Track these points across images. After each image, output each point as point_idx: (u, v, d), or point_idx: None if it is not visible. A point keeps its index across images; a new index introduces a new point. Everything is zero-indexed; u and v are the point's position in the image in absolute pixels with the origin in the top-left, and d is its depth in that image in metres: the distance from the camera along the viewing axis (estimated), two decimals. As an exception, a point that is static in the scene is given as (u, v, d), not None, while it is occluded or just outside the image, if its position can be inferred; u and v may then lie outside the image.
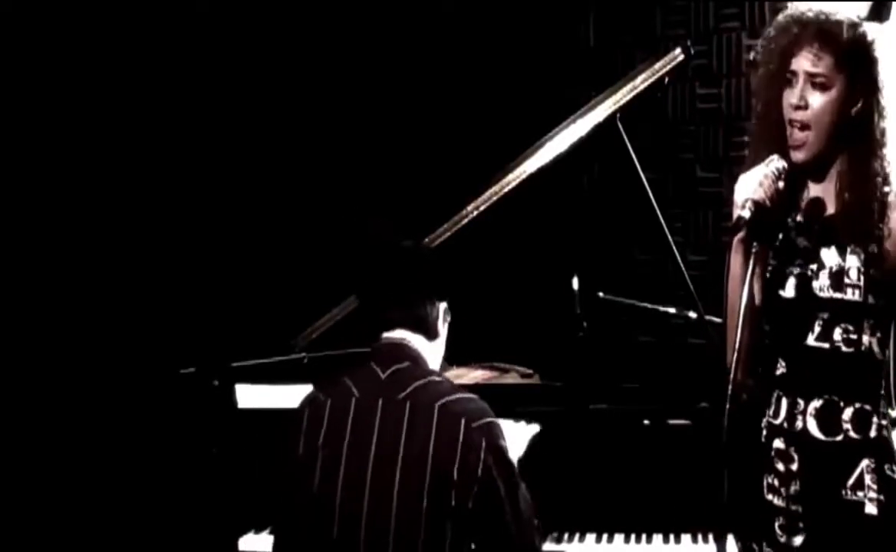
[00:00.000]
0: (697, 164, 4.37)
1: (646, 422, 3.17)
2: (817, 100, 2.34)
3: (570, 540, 3.09)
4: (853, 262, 2.38)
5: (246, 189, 4.50)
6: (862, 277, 2.36)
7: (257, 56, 4.51)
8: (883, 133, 2.38)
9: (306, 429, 2.48)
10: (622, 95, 3.43)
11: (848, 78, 2.34)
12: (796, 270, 2.43)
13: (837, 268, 2.39)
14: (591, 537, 3.11)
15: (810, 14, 2.38)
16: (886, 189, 2.37)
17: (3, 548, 4.16)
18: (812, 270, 2.42)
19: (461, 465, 2.38)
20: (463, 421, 2.41)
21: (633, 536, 3.11)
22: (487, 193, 3.48)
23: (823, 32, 2.35)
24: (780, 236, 2.46)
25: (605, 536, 3.11)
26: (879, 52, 2.40)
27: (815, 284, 2.40)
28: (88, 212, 4.41)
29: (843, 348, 2.38)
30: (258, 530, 3.25)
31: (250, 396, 3.40)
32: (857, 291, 2.37)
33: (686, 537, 3.05)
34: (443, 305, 2.64)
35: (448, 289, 2.67)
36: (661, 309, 3.55)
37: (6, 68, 4.33)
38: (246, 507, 3.26)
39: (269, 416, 3.33)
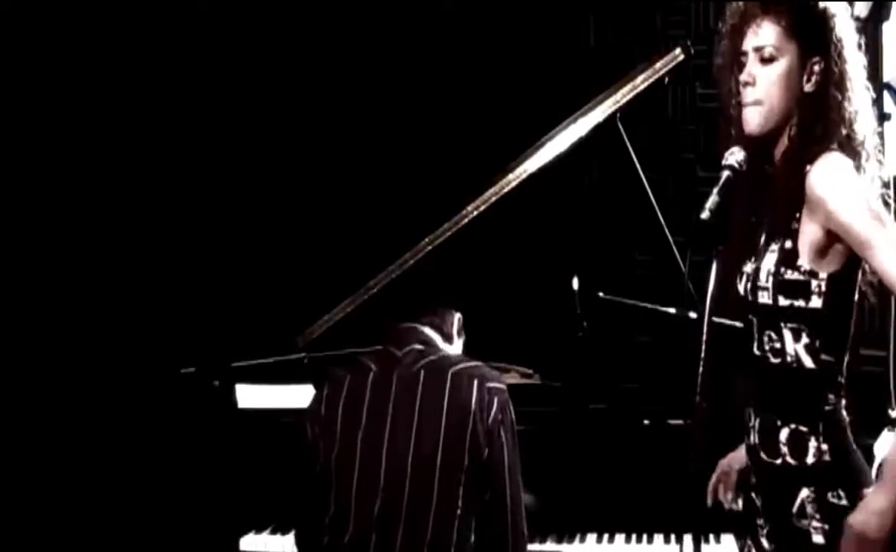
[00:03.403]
0: (697, 164, 4.37)
1: (646, 422, 3.17)
2: (764, 73, 2.23)
3: (571, 540, 3.10)
4: (766, 262, 2.26)
5: (246, 189, 4.50)
6: (770, 279, 2.24)
7: (257, 56, 4.51)
8: (840, 108, 2.24)
9: (326, 402, 2.60)
10: (622, 95, 3.43)
11: (799, 48, 2.23)
12: (747, 268, 2.34)
13: (754, 269, 2.29)
14: (591, 537, 3.11)
15: None
16: (811, 177, 2.20)
17: (4, 549, 4.16)
18: (752, 270, 2.32)
19: (474, 420, 2.48)
20: (476, 381, 2.53)
21: (633, 536, 3.11)
22: (488, 193, 3.48)
23: (767, 2, 2.25)
24: (749, 233, 2.36)
25: (605, 536, 3.12)
26: (839, 20, 2.27)
27: (748, 286, 2.31)
28: (88, 212, 4.42)
29: (771, 359, 2.28)
30: (258, 530, 3.25)
31: (250, 396, 3.40)
32: (766, 294, 2.25)
33: (687, 537, 3.05)
34: (457, 315, 2.77)
35: (459, 299, 2.80)
36: (661, 309, 3.54)
37: (6, 68, 4.33)
38: (246, 507, 3.27)
39: (269, 416, 3.33)
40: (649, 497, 3.09)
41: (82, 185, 4.41)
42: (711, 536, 3.02)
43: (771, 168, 2.34)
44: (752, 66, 2.25)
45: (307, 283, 4.15)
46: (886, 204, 2.37)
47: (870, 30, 4.09)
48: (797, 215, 2.24)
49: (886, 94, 3.94)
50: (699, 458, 2.16)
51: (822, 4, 2.27)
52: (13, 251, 4.33)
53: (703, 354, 2.12)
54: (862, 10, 3.98)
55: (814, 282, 2.23)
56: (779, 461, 2.28)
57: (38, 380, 4.29)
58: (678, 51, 3.47)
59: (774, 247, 2.27)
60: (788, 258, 2.24)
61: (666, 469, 3.04)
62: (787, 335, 2.25)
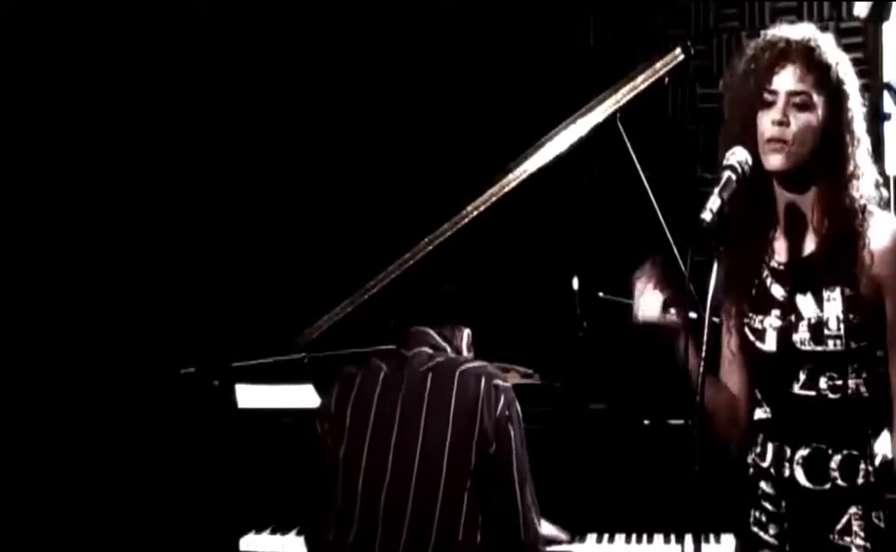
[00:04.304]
0: (697, 163, 4.37)
1: (646, 422, 3.17)
2: (798, 118, 2.27)
3: (570, 540, 3.09)
4: (832, 310, 2.31)
5: (246, 189, 4.50)
6: (842, 326, 2.30)
7: (257, 56, 4.51)
8: (856, 164, 2.32)
9: (336, 399, 2.64)
10: (622, 95, 3.43)
11: (827, 102, 2.29)
12: (776, 323, 2.36)
13: (816, 319, 2.32)
14: (591, 537, 3.11)
15: (795, 35, 2.32)
16: (858, 225, 2.31)
17: (4, 549, 4.16)
18: (790, 322, 2.34)
19: (482, 413, 2.51)
20: (483, 378, 2.57)
21: (633, 536, 3.11)
22: (488, 193, 3.48)
23: (809, 51, 2.29)
24: (755, 288, 2.38)
25: (605, 536, 3.11)
26: (852, 84, 2.34)
27: (796, 337, 2.33)
28: (88, 212, 4.42)
29: (830, 395, 2.32)
30: (258, 530, 3.25)
31: (250, 396, 3.40)
32: (838, 342, 2.30)
33: (687, 537, 3.05)
34: (467, 331, 2.80)
35: (468, 314, 2.83)
36: (661, 309, 3.54)
37: (6, 68, 4.33)
38: (246, 507, 3.26)
39: (269, 416, 3.33)
40: (649, 497, 3.09)
41: (82, 184, 4.41)
42: (711, 536, 3.02)
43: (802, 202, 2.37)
44: (787, 108, 2.29)
45: (307, 283, 4.15)
46: (886, 205, 2.41)
47: (870, 30, 4.09)
48: (855, 263, 2.30)
49: (886, 94, 3.95)
50: (699, 458, 2.16)
51: (843, 73, 2.33)
52: (13, 251, 4.33)
53: (703, 354, 2.12)
54: (862, 10, 3.98)
55: (875, 325, 2.32)
56: (827, 486, 2.33)
57: (38, 380, 4.28)
58: (678, 51, 3.47)
59: (831, 294, 2.32)
60: (854, 304, 2.30)
61: (666, 469, 3.04)
62: (851, 374, 2.32)
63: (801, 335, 2.33)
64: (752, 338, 2.40)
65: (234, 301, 4.37)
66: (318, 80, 4.54)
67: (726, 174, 2.23)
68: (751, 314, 2.40)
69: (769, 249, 2.40)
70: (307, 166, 4.50)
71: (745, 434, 2.45)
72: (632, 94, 3.43)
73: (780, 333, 2.36)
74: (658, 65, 3.46)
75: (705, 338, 2.14)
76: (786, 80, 2.29)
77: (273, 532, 3.24)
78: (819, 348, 2.32)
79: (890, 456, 2.57)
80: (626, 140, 3.46)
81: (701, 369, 2.13)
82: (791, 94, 2.28)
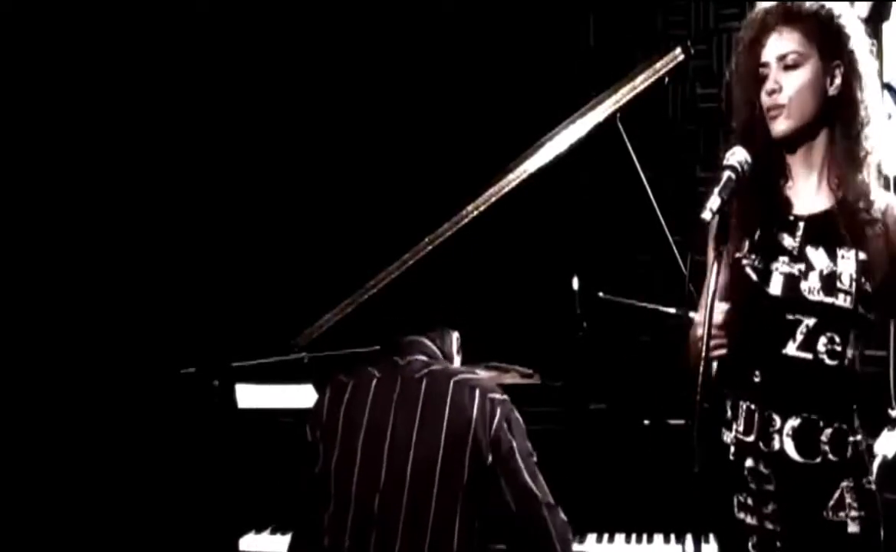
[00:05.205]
0: (697, 164, 4.37)
1: (646, 422, 3.17)
2: (790, 79, 2.30)
3: (571, 540, 3.10)
4: (846, 267, 2.30)
5: (246, 189, 4.50)
6: (854, 284, 2.28)
7: (257, 56, 4.51)
8: (867, 109, 2.32)
9: (328, 405, 2.60)
10: (622, 95, 3.44)
11: (820, 53, 2.30)
12: (784, 268, 2.34)
13: (829, 271, 2.30)
14: (591, 537, 3.11)
15: (773, 3, 2.35)
16: (872, 196, 2.31)
17: (4, 549, 4.16)
18: (800, 271, 2.32)
19: (475, 429, 2.47)
20: (478, 391, 2.52)
21: (633, 536, 3.11)
22: (487, 193, 3.48)
23: (787, 12, 2.33)
24: (759, 233, 2.37)
25: (605, 536, 3.12)
26: (852, 27, 2.33)
27: (804, 285, 2.31)
28: (88, 211, 4.42)
29: (827, 360, 2.30)
30: (258, 530, 3.25)
31: (250, 396, 3.40)
32: (848, 298, 2.28)
33: (687, 537, 3.05)
34: (455, 334, 2.77)
35: (457, 318, 2.79)
36: (661, 309, 3.55)
37: (6, 68, 4.33)
38: (246, 507, 3.27)
39: (269, 416, 3.33)
40: (649, 497, 3.09)
41: (82, 184, 4.41)
42: (711, 536, 3.02)
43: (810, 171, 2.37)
44: (777, 74, 2.31)
45: (307, 283, 4.15)
46: None
47: (870, 30, 4.09)
48: (870, 227, 2.30)
49: (886, 95, 3.95)
50: (699, 458, 2.16)
51: (836, 16, 2.33)
52: (13, 251, 4.33)
53: (703, 353, 2.12)
54: (862, 10, 3.98)
55: (884, 299, 2.32)
56: (818, 460, 2.31)
57: (38, 380, 4.28)
58: (678, 51, 3.48)
59: (845, 253, 2.31)
60: (867, 269, 2.30)
61: (666, 469, 3.04)
62: (852, 341, 2.31)
63: (812, 283, 2.31)
64: (754, 278, 2.36)
65: (234, 301, 4.37)
66: (319, 80, 4.54)
67: (726, 174, 2.23)
68: (753, 255, 2.37)
69: (779, 202, 2.39)
70: (307, 166, 4.50)
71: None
72: (632, 94, 3.43)
73: (786, 279, 2.33)
74: (658, 65, 3.46)
75: (706, 337, 2.14)
76: (772, 47, 2.33)
77: (273, 532, 3.24)
78: (828, 299, 2.29)
79: (890, 456, 2.58)
80: (626, 140, 3.46)
81: (702, 369, 2.12)
82: (779, 58, 2.32)
